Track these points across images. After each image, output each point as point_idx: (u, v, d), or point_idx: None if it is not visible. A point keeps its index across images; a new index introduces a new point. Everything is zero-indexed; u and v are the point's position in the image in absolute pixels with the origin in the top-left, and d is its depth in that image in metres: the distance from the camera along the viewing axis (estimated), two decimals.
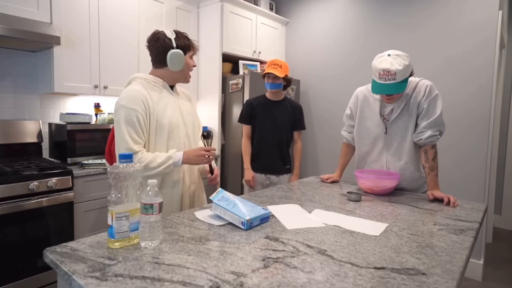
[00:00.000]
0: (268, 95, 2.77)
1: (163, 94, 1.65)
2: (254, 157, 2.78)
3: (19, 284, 2.15)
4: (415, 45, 3.29)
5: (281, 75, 2.60)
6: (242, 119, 2.80)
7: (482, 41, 2.93)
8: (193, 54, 1.71)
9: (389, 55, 1.72)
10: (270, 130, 2.72)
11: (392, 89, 1.70)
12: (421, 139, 1.83)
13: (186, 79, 1.73)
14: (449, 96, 3.10)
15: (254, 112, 2.75)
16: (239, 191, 3.41)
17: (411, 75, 1.76)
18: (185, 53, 1.65)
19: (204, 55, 3.63)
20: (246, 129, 2.79)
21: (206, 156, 1.63)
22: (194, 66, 1.73)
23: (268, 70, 2.62)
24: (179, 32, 1.66)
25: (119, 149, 1.52)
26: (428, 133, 1.80)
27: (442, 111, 1.82)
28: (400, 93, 1.77)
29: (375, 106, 1.95)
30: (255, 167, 2.77)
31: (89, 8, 2.75)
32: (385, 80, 1.69)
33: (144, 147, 1.60)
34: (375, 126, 1.95)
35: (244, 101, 3.25)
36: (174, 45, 1.61)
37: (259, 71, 3.74)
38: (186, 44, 1.66)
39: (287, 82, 2.70)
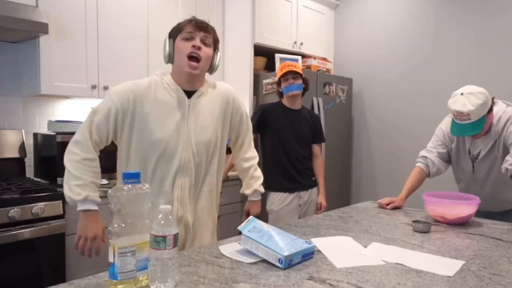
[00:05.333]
0: (286, 102, 2.89)
1: (170, 100, 1.66)
2: (276, 174, 2.88)
3: None
4: (500, 33, 3.21)
5: (300, 71, 2.76)
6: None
7: None
8: (190, 33, 1.63)
9: (462, 93, 1.97)
10: (294, 142, 2.86)
11: (468, 129, 1.97)
12: (507, 169, 1.93)
13: (182, 68, 1.64)
14: None
15: (267, 120, 2.86)
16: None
17: (490, 111, 1.97)
18: (175, 38, 1.67)
19: (231, 47, 3.68)
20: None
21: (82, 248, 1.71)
22: (195, 46, 1.62)
23: (285, 70, 2.76)
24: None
25: None
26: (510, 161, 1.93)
27: None
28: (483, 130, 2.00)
29: (466, 143, 2.19)
30: (278, 187, 2.87)
31: None
32: (461, 121, 1.97)
33: (118, 151, 1.70)
34: (464, 163, 2.23)
35: None
36: (168, 36, 1.70)
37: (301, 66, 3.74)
38: (173, 29, 1.70)
39: (305, 85, 2.85)
